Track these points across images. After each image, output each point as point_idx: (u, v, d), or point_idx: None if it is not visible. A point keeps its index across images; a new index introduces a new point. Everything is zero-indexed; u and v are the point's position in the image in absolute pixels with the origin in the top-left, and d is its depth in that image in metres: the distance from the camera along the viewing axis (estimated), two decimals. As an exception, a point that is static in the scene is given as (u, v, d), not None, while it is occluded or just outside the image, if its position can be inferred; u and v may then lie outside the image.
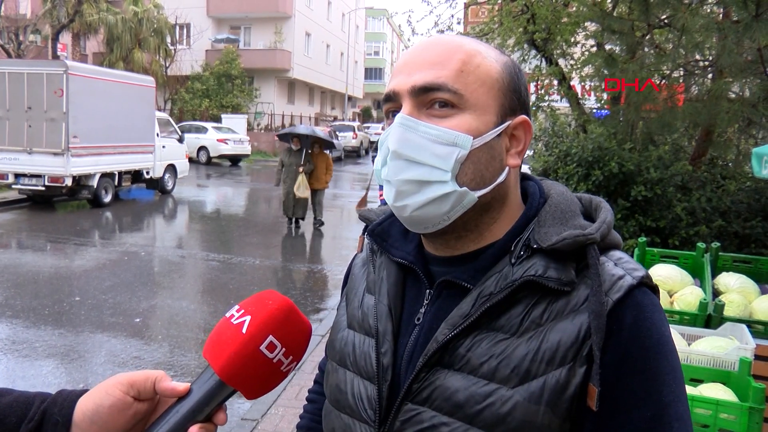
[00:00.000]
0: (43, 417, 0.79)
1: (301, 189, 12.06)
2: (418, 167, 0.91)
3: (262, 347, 0.80)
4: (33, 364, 5.40)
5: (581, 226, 0.92)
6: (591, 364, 0.84)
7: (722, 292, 3.73)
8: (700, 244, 4.05)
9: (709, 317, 3.38)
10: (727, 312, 3.41)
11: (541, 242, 0.90)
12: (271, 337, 0.81)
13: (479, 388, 0.88)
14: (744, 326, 3.12)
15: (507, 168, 0.95)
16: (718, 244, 4.18)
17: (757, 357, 2.96)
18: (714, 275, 3.90)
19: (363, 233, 1.16)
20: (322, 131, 12.80)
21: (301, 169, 12.04)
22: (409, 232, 1.06)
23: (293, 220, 12.66)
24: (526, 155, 1.01)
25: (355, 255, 1.22)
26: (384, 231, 1.09)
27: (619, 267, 0.90)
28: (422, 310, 0.99)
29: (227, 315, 0.83)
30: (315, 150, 12.44)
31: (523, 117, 0.97)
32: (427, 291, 1.00)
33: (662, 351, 0.86)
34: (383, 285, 1.05)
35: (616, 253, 0.94)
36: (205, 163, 26.75)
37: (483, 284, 0.92)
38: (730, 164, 7.90)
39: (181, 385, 0.81)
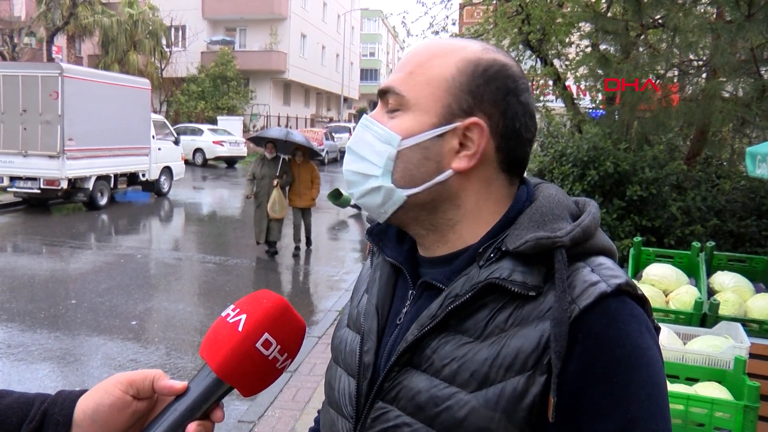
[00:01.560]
0: (43, 417, 0.80)
1: (277, 207, 9.64)
2: (361, 161, 0.99)
3: (258, 344, 0.82)
4: (29, 367, 5.40)
5: (553, 230, 0.89)
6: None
7: (717, 291, 3.75)
8: (696, 244, 4.07)
9: (705, 316, 3.40)
10: (722, 311, 3.42)
11: (510, 245, 0.89)
12: (266, 335, 0.82)
13: (440, 390, 0.87)
14: (739, 325, 3.14)
15: (450, 171, 0.95)
16: (713, 243, 4.20)
17: (752, 355, 2.98)
18: (709, 274, 3.91)
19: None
20: (300, 134, 10.18)
21: (275, 183, 9.64)
22: (405, 233, 1.08)
23: (268, 246, 10.16)
24: None
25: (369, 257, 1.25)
26: (382, 232, 1.11)
27: (596, 273, 0.87)
28: (405, 310, 1.01)
29: (223, 314, 0.85)
30: (297, 158, 9.98)
31: (474, 119, 0.93)
32: (410, 291, 1.02)
33: (634, 363, 0.82)
34: (375, 285, 1.08)
35: (599, 259, 0.90)
36: (200, 165, 26.72)
37: (452, 285, 0.92)
38: (724, 163, 7.93)
39: (179, 384, 0.82)
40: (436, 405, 0.87)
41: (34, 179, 13.29)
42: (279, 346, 0.83)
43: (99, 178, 14.21)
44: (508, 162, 0.98)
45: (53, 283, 8.08)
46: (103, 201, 14.41)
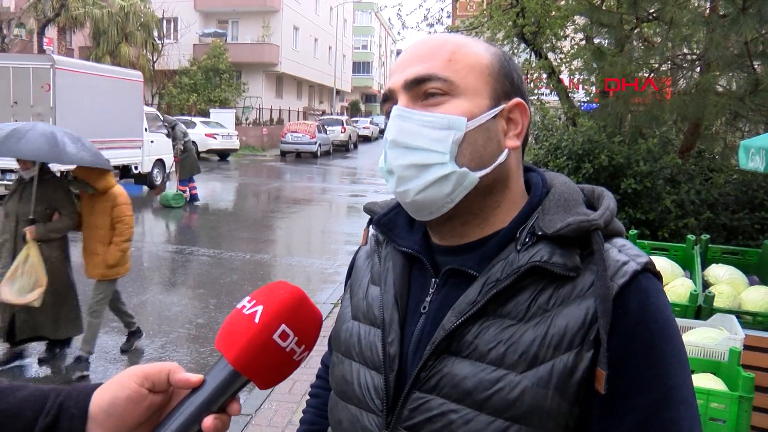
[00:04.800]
0: (59, 410, 0.80)
1: (17, 283, 4.71)
2: (416, 152, 0.95)
3: (275, 336, 0.81)
4: (23, 361, 5.36)
5: (585, 213, 0.93)
6: (598, 348, 0.85)
7: (712, 283, 3.78)
8: (690, 237, 4.10)
9: (700, 308, 3.43)
10: (717, 303, 3.46)
11: (546, 229, 0.92)
12: (283, 326, 0.81)
13: (487, 374, 0.89)
14: (733, 317, 3.17)
15: (506, 150, 0.98)
16: (708, 236, 4.23)
17: (746, 347, 3.01)
18: (704, 267, 3.95)
19: (367, 226, 1.17)
20: (42, 130, 4.74)
21: (28, 232, 4.79)
22: (415, 222, 1.08)
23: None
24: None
25: (359, 248, 1.23)
26: (390, 221, 1.11)
27: (623, 253, 0.92)
28: (428, 298, 1.00)
29: (238, 306, 0.84)
30: (79, 177, 5.08)
31: (518, 100, 0.99)
32: (433, 280, 1.01)
33: (667, 335, 0.87)
34: (389, 275, 1.06)
35: (620, 241, 0.96)
36: (193, 157, 26.57)
37: (489, 271, 0.93)
38: (717, 157, 7.97)
39: (195, 377, 0.81)
40: (486, 389, 0.88)
41: (26, 172, 13.18)
42: (296, 338, 0.83)
43: (91, 170, 14.10)
44: (524, 145, 1.04)
45: (47, 276, 8.02)
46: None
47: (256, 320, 0.81)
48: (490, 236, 0.99)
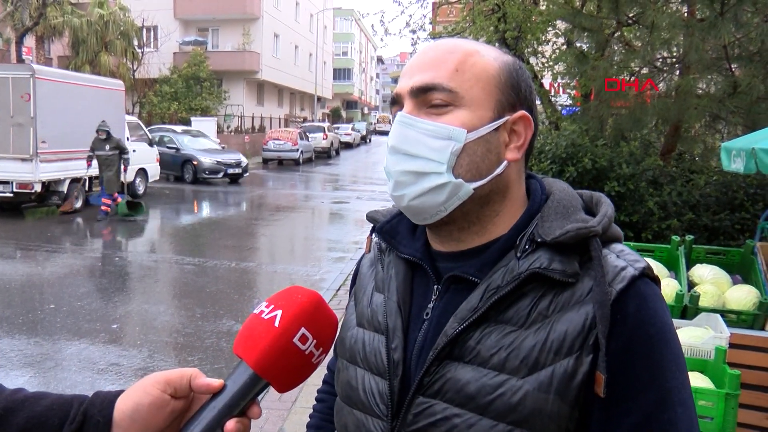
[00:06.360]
0: (84, 418, 0.81)
1: None
2: (415, 160, 0.96)
3: (295, 339, 0.82)
4: (8, 374, 5.31)
5: (583, 220, 0.95)
6: (597, 352, 0.86)
7: (697, 283, 3.84)
8: (675, 237, 4.16)
9: (685, 308, 3.48)
10: (702, 302, 3.51)
11: (545, 236, 0.93)
12: (303, 330, 0.83)
13: (490, 379, 0.90)
14: (718, 316, 3.22)
15: (505, 162, 0.99)
16: (692, 237, 4.29)
17: (732, 345, 3.06)
18: (688, 267, 4.00)
19: (371, 233, 1.19)
20: None
21: None
22: (417, 229, 1.10)
23: None
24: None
25: (363, 255, 1.24)
26: (392, 229, 1.12)
27: (621, 259, 0.93)
28: (430, 305, 1.02)
29: (256, 311, 0.85)
30: None
31: (522, 112, 1.00)
32: (435, 286, 1.02)
33: (665, 338, 0.89)
34: (392, 282, 1.08)
35: (618, 246, 0.97)
36: (175, 166, 26.36)
37: (490, 278, 0.95)
38: (697, 158, 8.09)
39: (216, 381, 0.82)
40: (488, 393, 0.90)
41: (6, 183, 13.00)
42: (315, 341, 0.84)
43: (73, 180, 13.97)
44: (529, 154, 1.05)
45: (30, 288, 7.95)
46: (78, 204, 14.20)
47: (276, 324, 0.82)
48: (490, 243, 1.01)
